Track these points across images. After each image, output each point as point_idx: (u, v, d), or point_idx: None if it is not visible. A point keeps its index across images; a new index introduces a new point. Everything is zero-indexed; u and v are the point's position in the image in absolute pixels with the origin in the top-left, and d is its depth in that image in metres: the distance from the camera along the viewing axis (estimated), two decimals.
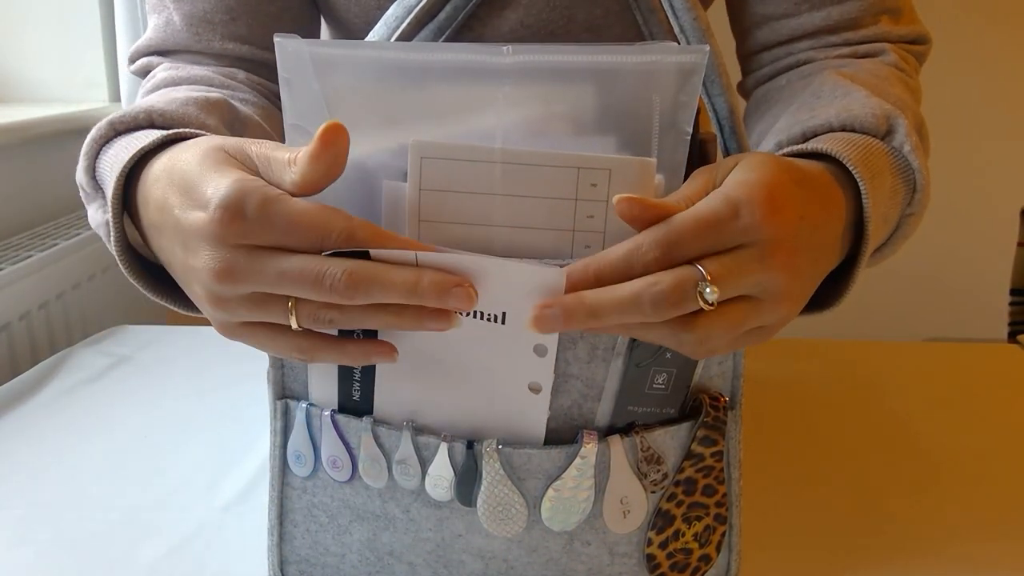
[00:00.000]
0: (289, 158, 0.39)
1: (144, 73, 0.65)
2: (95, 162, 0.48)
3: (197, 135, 0.46)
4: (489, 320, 0.40)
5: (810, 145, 0.46)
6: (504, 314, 0.40)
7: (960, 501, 0.62)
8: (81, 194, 0.49)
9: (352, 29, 0.66)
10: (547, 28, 0.62)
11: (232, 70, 0.63)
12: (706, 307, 0.37)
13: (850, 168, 0.44)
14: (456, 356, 0.43)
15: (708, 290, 0.36)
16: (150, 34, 0.65)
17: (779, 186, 0.39)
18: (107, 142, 0.48)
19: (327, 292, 0.37)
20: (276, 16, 0.64)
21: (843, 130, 0.49)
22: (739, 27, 0.67)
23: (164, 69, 0.61)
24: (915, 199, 0.50)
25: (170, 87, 0.58)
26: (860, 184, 0.44)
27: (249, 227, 0.38)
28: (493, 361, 0.42)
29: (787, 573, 0.54)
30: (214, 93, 0.52)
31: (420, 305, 0.38)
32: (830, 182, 0.43)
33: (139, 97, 0.62)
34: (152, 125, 0.48)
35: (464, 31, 0.60)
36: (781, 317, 0.40)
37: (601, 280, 0.37)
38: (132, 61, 0.66)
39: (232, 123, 0.53)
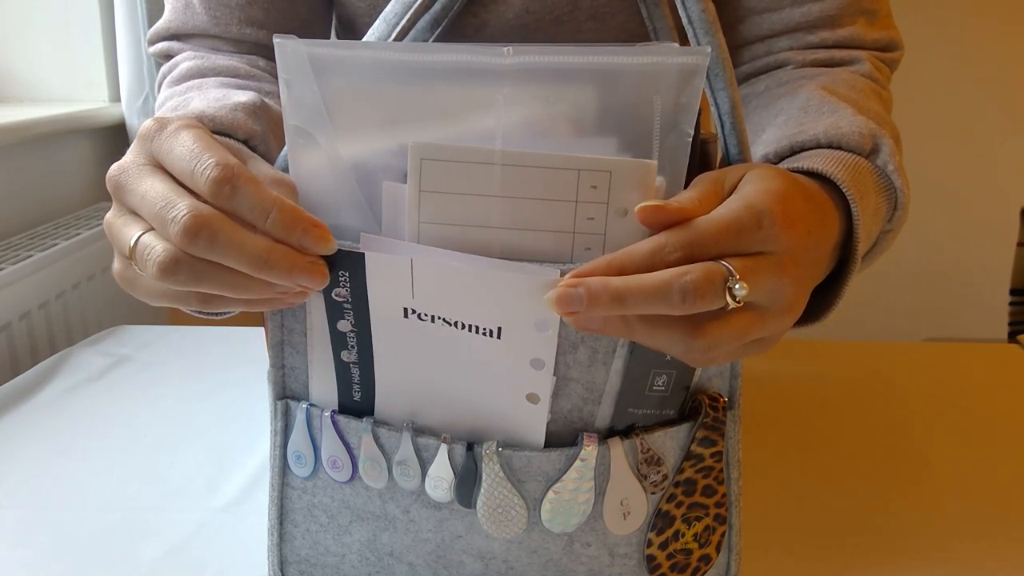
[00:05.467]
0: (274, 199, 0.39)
1: (165, 56, 0.66)
2: None
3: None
4: (484, 335, 0.40)
5: (805, 164, 0.47)
6: (500, 329, 0.40)
7: (960, 501, 0.62)
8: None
9: (356, 18, 0.67)
10: (552, 14, 0.62)
11: (253, 57, 0.63)
12: (732, 304, 0.36)
13: (844, 191, 0.45)
14: (454, 365, 0.43)
15: (738, 286, 0.36)
16: (169, 16, 0.65)
17: (793, 199, 0.39)
18: None
19: (167, 226, 0.36)
20: (291, 0, 0.65)
21: (830, 147, 0.49)
22: (720, 23, 0.68)
23: (188, 58, 0.61)
24: (895, 216, 0.51)
25: (197, 78, 0.59)
26: (853, 207, 0.45)
27: (159, 140, 0.38)
28: (490, 373, 0.42)
29: (787, 573, 0.54)
30: (246, 95, 0.53)
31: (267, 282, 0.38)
32: (826, 200, 0.44)
33: (160, 81, 0.63)
34: None
35: (468, 16, 0.60)
36: (781, 329, 0.40)
37: (624, 275, 0.37)
38: (152, 43, 0.67)
39: (271, 123, 0.54)
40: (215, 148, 0.38)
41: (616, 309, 0.36)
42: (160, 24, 0.65)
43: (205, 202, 0.37)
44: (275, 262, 0.37)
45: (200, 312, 0.42)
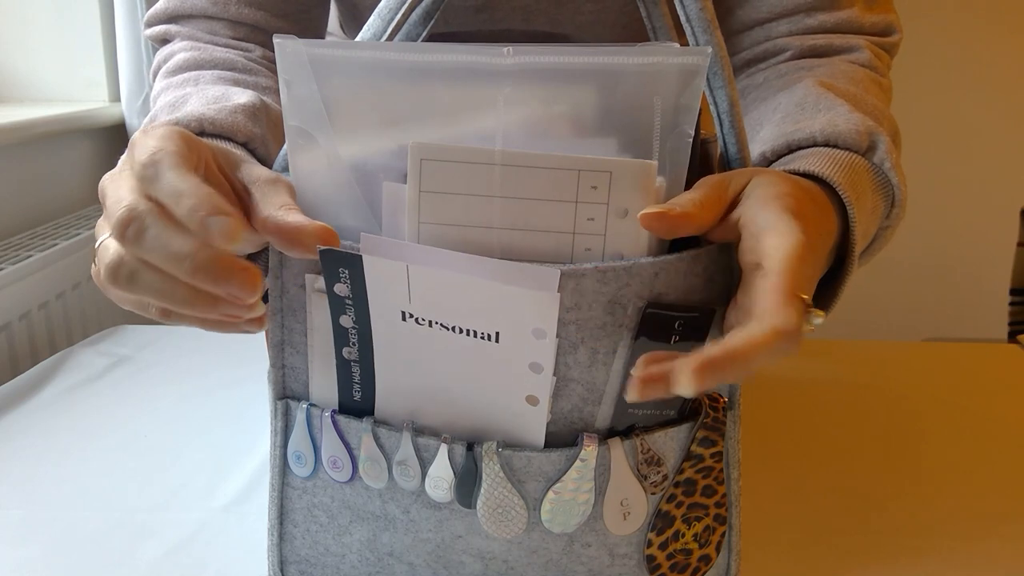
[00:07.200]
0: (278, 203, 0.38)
1: (161, 40, 0.65)
2: None
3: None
4: (482, 338, 0.40)
5: (802, 165, 0.47)
6: (497, 333, 0.40)
7: (960, 501, 0.62)
8: None
9: (357, 7, 0.67)
10: None
11: (248, 45, 0.63)
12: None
13: (842, 195, 0.46)
14: (453, 367, 0.43)
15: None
16: None
17: (802, 203, 0.40)
18: None
19: (111, 219, 0.35)
20: None
21: (827, 145, 0.50)
22: (720, 7, 0.68)
23: (184, 49, 0.61)
24: (892, 213, 0.51)
25: (194, 70, 0.59)
26: (849, 209, 0.45)
27: (139, 144, 0.38)
28: (489, 375, 0.42)
29: (787, 573, 0.54)
30: (245, 96, 0.52)
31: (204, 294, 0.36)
32: (825, 202, 0.45)
33: (155, 70, 0.63)
34: (203, 133, 0.49)
35: None
36: None
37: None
38: (149, 26, 0.66)
39: (271, 124, 0.53)
40: (176, 157, 0.37)
41: (742, 370, 0.35)
42: (158, 6, 0.65)
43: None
44: (201, 263, 0.34)
45: (164, 321, 0.42)
